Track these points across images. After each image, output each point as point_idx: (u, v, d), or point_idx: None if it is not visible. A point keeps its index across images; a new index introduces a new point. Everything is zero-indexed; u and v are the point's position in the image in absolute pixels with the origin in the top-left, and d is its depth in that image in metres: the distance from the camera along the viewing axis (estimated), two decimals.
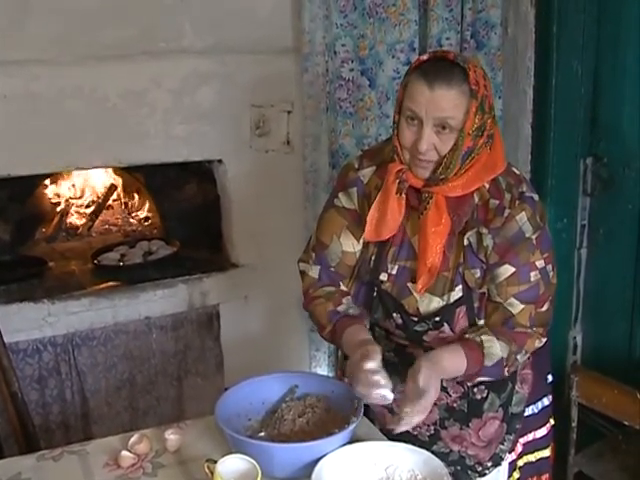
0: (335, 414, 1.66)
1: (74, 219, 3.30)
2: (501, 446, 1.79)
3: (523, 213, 1.59)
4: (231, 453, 1.47)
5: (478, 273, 1.61)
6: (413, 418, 1.50)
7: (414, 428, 1.65)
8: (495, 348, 1.58)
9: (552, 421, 1.94)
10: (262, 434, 1.64)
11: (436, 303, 1.63)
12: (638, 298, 2.71)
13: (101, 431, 2.57)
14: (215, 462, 1.43)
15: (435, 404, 1.63)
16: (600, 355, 2.91)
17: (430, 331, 1.66)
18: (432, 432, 1.77)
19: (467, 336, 1.62)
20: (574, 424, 2.43)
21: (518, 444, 1.86)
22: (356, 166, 1.74)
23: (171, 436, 1.67)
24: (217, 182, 2.90)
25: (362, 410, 1.60)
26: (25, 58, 2.44)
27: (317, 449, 1.51)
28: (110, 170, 3.22)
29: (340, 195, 1.75)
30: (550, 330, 3.04)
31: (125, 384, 2.72)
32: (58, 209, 3.26)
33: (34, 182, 2.98)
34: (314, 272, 1.78)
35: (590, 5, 2.75)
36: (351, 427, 1.55)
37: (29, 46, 2.44)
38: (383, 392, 1.52)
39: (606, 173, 2.82)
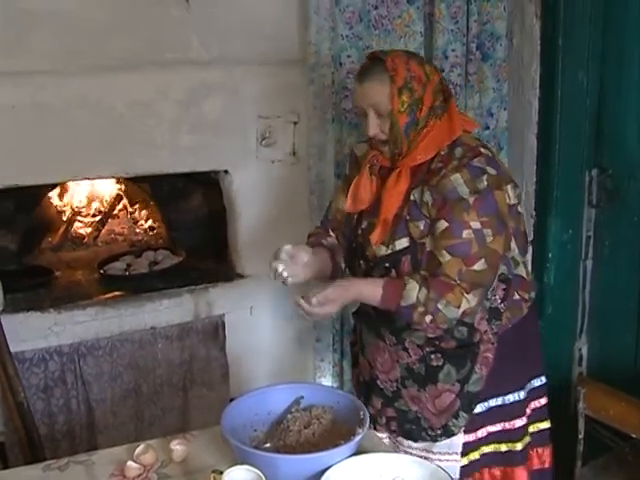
0: (341, 425, 1.66)
1: (80, 229, 3.31)
2: (454, 420, 1.92)
3: (458, 175, 1.78)
4: (237, 464, 1.47)
5: (422, 226, 1.82)
6: (315, 308, 1.77)
7: (381, 382, 1.97)
8: (414, 292, 1.76)
9: (525, 419, 2.02)
10: (268, 445, 1.65)
11: (384, 251, 1.87)
12: None
13: (106, 441, 2.57)
14: (221, 473, 1.44)
15: (397, 362, 1.92)
16: (606, 367, 2.90)
17: (382, 276, 1.86)
18: (395, 389, 1.97)
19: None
20: (581, 436, 2.41)
21: (483, 429, 1.97)
22: (357, 142, 2.12)
23: (177, 447, 1.67)
24: (223, 192, 2.90)
25: (368, 421, 1.60)
26: (33, 69, 2.45)
27: (323, 460, 1.51)
28: (116, 180, 3.23)
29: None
30: (553, 340, 3.05)
31: (131, 394, 2.71)
32: (64, 218, 3.27)
33: (40, 192, 2.98)
34: (325, 217, 2.16)
35: (596, 17, 2.76)
36: (357, 439, 1.55)
37: (37, 57, 2.46)
38: (275, 265, 1.85)
39: (611, 185, 2.82)
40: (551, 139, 2.92)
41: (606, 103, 2.81)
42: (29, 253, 3.11)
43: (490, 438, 1.99)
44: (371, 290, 1.82)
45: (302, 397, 1.75)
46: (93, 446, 2.56)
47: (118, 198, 3.36)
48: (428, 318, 1.77)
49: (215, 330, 2.83)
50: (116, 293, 2.77)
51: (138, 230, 3.40)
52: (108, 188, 3.33)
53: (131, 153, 2.65)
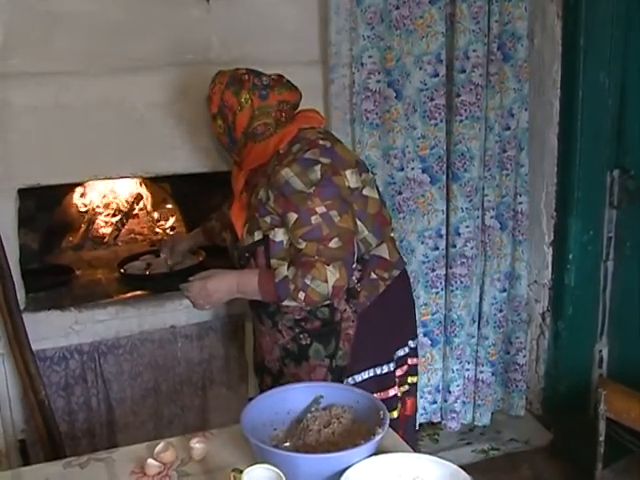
0: (360, 425, 1.66)
1: (101, 228, 3.33)
2: None
3: (288, 169, 1.99)
4: (256, 463, 1.47)
5: (269, 220, 2.03)
6: (193, 297, 2.13)
7: (267, 361, 2.22)
8: (283, 269, 1.98)
9: (397, 388, 2.24)
10: (287, 444, 1.64)
11: (248, 241, 2.09)
12: None
13: (126, 439, 2.57)
14: (241, 472, 1.43)
15: (275, 343, 2.17)
16: (626, 368, 2.88)
17: (245, 265, 2.13)
18: (278, 367, 2.19)
19: None
20: (601, 438, 2.39)
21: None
22: None
23: (197, 445, 1.67)
24: None
25: (388, 421, 1.59)
26: (55, 70, 2.47)
27: (342, 460, 1.50)
28: (137, 180, 3.25)
29: None
30: (573, 341, 3.03)
31: (150, 393, 2.72)
32: (85, 218, 3.29)
33: (62, 191, 3.01)
34: None
35: (618, 17, 2.74)
36: (377, 438, 1.54)
37: (59, 58, 2.48)
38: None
39: (633, 185, 2.80)
40: (572, 140, 2.91)
41: (627, 103, 2.79)
42: (50, 252, 3.13)
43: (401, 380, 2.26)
44: (247, 277, 2.06)
45: (322, 396, 1.74)
46: (113, 444, 2.57)
47: (138, 198, 3.38)
48: (301, 294, 1.96)
49: (234, 329, 2.83)
50: (136, 292, 2.78)
51: (158, 230, 3.41)
52: (128, 188, 3.35)
53: (151, 153, 2.66)
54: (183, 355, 2.74)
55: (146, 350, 2.69)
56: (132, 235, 3.39)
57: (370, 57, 2.68)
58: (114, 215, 3.37)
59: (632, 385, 2.37)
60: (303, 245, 1.96)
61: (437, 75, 2.80)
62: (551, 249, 3.10)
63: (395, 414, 2.23)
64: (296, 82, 2.76)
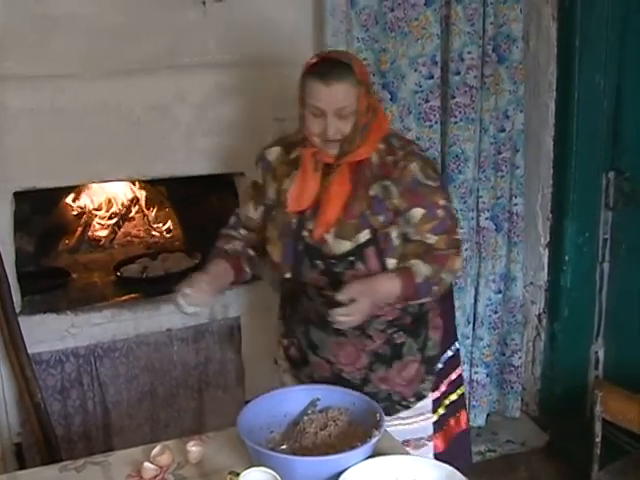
0: (357, 427, 1.66)
1: (97, 231, 3.33)
2: (422, 384, 2.06)
3: (415, 164, 1.90)
4: (253, 466, 1.47)
5: (382, 218, 1.89)
6: (346, 319, 1.79)
7: (347, 373, 1.98)
8: (420, 266, 1.88)
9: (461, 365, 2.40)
10: (284, 447, 1.64)
11: (348, 245, 1.89)
12: None
13: (122, 443, 2.57)
14: (238, 474, 1.43)
15: (362, 350, 1.97)
16: (622, 370, 2.89)
17: (347, 270, 1.90)
18: (363, 376, 2.01)
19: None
20: (598, 440, 2.39)
21: (442, 385, 2.31)
22: (264, 147, 2.08)
23: (193, 448, 1.67)
24: (239, 195, 2.90)
25: (384, 423, 1.59)
26: (52, 73, 2.46)
27: (339, 463, 1.50)
28: (133, 183, 3.24)
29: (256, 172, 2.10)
30: (569, 343, 3.04)
31: (146, 396, 2.72)
32: (81, 221, 3.28)
33: (57, 194, 3.00)
34: (231, 220, 2.16)
35: (614, 19, 2.74)
36: (373, 440, 1.54)
37: (56, 61, 2.47)
38: (180, 300, 1.86)
39: (628, 187, 2.81)
40: (568, 142, 2.92)
41: (623, 105, 2.80)
42: (46, 255, 3.12)
43: (452, 387, 2.33)
44: (389, 281, 1.87)
45: (318, 399, 1.74)
46: (109, 448, 2.56)
47: (134, 201, 3.37)
48: (436, 289, 1.92)
49: (231, 332, 2.83)
50: (132, 295, 2.78)
51: (154, 233, 3.41)
52: (124, 191, 3.34)
53: (148, 156, 2.66)
54: (179, 358, 2.74)
55: (142, 353, 2.69)
56: (128, 238, 3.39)
57: (365, 59, 2.67)
58: (110, 218, 3.36)
59: (628, 386, 2.37)
60: (434, 240, 1.91)
61: (432, 77, 2.80)
62: (547, 251, 3.11)
63: (462, 390, 2.42)
64: (292, 83, 2.76)
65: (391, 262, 1.89)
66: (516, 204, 3.07)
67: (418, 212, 1.89)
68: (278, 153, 2.03)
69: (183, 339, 2.75)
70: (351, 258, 1.90)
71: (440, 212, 1.91)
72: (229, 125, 2.72)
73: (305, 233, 1.94)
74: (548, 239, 3.08)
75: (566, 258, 3.01)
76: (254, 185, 2.09)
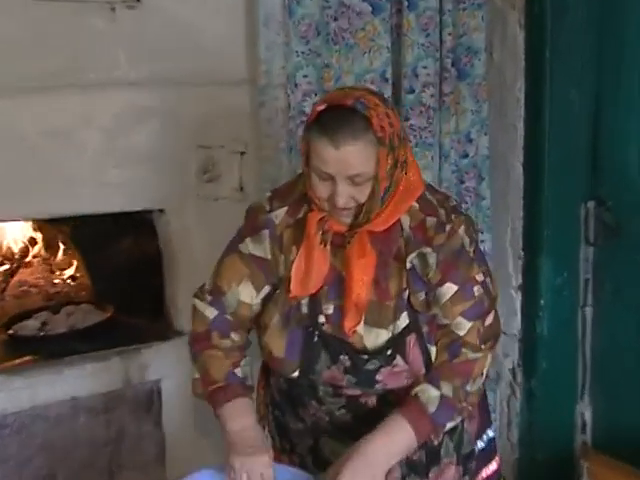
0: None
1: None
2: None
3: (463, 226, 1.78)
4: None
5: (423, 296, 1.77)
6: None
7: None
8: (428, 391, 1.74)
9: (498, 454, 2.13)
10: None
11: (384, 335, 1.76)
12: None
13: None
14: None
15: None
16: (613, 435, 2.89)
17: (382, 368, 1.77)
18: None
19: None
20: None
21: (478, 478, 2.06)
22: (267, 208, 1.88)
23: None
24: (158, 235, 2.88)
25: None
26: None
27: None
28: (30, 223, 3.19)
29: (247, 240, 1.89)
30: (550, 402, 3.04)
31: None
32: None
33: None
34: (210, 313, 1.91)
35: (589, 25, 2.79)
36: None
37: None
38: None
39: (611, 219, 2.84)
40: (539, 168, 2.95)
41: (603, 125, 2.84)
42: None
43: None
44: (396, 434, 1.71)
45: None
46: None
47: (32, 243, 3.32)
48: (460, 406, 1.78)
49: (149, 399, 2.80)
50: (28, 358, 2.73)
51: (56, 281, 3.38)
52: (19, 232, 3.29)
53: (47, 191, 2.62)
54: (85, 434, 2.70)
55: (39, 429, 2.63)
56: (24, 287, 3.35)
57: (305, 76, 2.68)
58: (2, 264, 3.31)
59: (620, 454, 2.39)
60: (466, 328, 1.77)
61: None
62: (520, 294, 3.13)
63: None
64: (218, 105, 2.77)
65: (434, 350, 1.78)
66: (483, 240, 3.09)
67: (451, 289, 1.76)
68: (284, 215, 1.84)
69: (91, 409, 2.71)
70: (389, 351, 1.76)
71: (477, 290, 1.78)
72: (144, 154, 2.70)
73: (322, 319, 1.80)
74: (520, 281, 3.11)
75: (542, 302, 3.03)
76: (250, 258, 1.87)
